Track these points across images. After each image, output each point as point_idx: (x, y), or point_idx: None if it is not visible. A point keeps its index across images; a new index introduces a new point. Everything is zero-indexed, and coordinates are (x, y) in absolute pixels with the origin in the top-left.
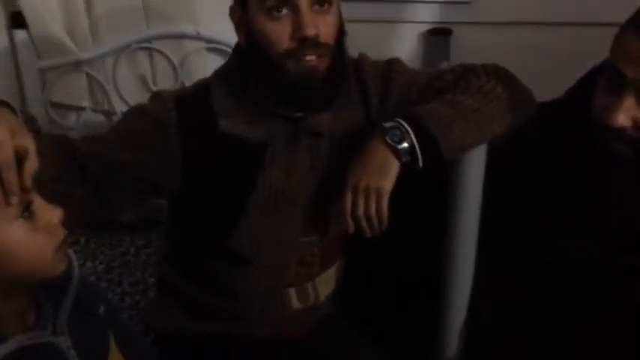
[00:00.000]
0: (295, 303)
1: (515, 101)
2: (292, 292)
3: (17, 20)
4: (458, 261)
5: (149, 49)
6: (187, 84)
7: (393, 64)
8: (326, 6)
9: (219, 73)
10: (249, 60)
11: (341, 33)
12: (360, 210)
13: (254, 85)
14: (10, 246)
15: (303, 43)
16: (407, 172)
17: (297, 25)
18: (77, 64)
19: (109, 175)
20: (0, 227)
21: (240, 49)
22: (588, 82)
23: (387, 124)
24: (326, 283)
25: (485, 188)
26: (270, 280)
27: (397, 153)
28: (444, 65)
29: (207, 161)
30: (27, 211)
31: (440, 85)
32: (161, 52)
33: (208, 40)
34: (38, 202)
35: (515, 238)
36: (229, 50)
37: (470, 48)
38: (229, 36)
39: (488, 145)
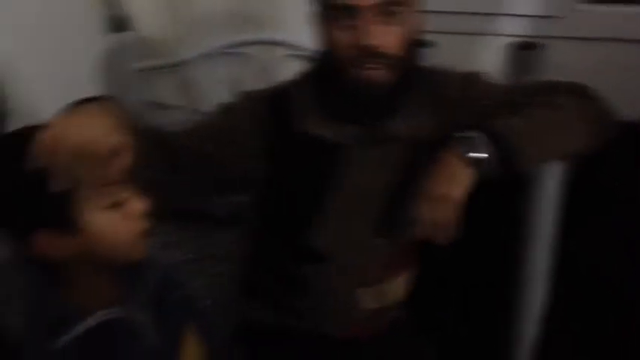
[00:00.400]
0: (366, 304)
1: (594, 120)
2: (364, 292)
3: (120, 24)
4: (532, 276)
5: (240, 54)
6: None
7: (473, 75)
8: (393, 17)
9: (300, 77)
10: (322, 65)
11: (413, 43)
12: (432, 217)
13: (327, 89)
14: (98, 231)
15: (364, 52)
16: (481, 183)
17: (359, 34)
18: (173, 66)
19: (196, 166)
20: (90, 214)
21: (318, 55)
22: None
23: (464, 135)
24: (397, 287)
25: (563, 204)
26: (342, 279)
27: (471, 163)
28: (527, 79)
29: (286, 161)
30: (116, 202)
31: (518, 99)
32: (250, 57)
33: (295, 47)
34: (128, 193)
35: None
36: (311, 56)
37: (557, 63)
38: (312, 44)
39: (569, 162)
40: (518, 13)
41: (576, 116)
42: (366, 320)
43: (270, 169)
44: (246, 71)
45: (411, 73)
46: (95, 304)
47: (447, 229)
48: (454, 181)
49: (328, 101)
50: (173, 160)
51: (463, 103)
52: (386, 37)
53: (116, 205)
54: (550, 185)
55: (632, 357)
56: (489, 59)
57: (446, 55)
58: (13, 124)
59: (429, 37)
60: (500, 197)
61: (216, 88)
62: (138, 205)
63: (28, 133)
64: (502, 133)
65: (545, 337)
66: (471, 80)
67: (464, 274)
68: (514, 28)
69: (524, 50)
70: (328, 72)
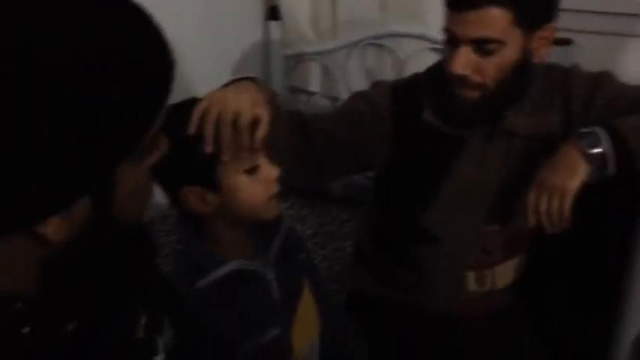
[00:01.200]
0: (472, 286)
1: None
2: (471, 275)
3: (273, 13)
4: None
5: (379, 46)
6: None
7: (602, 76)
8: (488, 51)
9: (432, 69)
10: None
11: (518, 67)
12: (544, 206)
13: (441, 89)
14: (235, 190)
15: (453, 77)
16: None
17: (452, 61)
18: (316, 54)
19: (329, 147)
20: (230, 175)
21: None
22: None
23: (583, 130)
24: (505, 273)
25: None
26: (452, 261)
27: (588, 157)
28: None
29: (410, 146)
30: (253, 167)
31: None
32: (389, 49)
33: (432, 41)
34: (262, 160)
35: None
36: None
37: None
38: None
39: None
40: None
41: None
42: (473, 302)
43: (394, 152)
44: (384, 63)
45: (524, 77)
46: (231, 255)
47: (560, 220)
48: (570, 173)
49: (441, 102)
50: (310, 141)
51: (592, 102)
52: (478, 68)
53: (253, 170)
54: None
55: None
56: (631, 62)
57: (586, 55)
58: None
59: (569, 35)
60: (617, 194)
61: (355, 78)
62: (271, 171)
63: (189, 103)
64: (621, 130)
65: None
66: (601, 80)
67: (574, 266)
68: None
69: None
70: (442, 77)
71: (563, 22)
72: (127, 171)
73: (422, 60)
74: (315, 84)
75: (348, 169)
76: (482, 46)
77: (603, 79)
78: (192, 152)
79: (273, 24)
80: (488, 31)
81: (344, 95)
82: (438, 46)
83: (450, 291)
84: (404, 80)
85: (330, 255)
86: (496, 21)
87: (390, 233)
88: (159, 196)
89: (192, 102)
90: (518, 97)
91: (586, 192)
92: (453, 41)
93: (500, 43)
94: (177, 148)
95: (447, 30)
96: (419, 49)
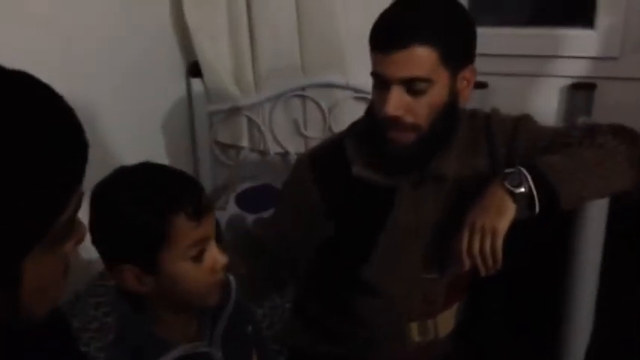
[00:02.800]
0: (415, 337)
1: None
2: (414, 326)
3: (195, 69)
4: (577, 310)
5: (302, 97)
6: (335, 130)
7: (522, 119)
8: (420, 91)
9: (353, 126)
10: (369, 119)
11: (447, 107)
12: (476, 248)
13: (372, 142)
14: (177, 277)
15: (387, 120)
16: (526, 220)
17: (385, 104)
18: (240, 109)
19: (282, 247)
20: (173, 260)
21: (371, 104)
22: None
23: (508, 170)
24: (447, 321)
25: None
26: (393, 312)
27: (514, 196)
28: (582, 120)
29: (344, 204)
30: (199, 252)
31: (565, 140)
32: (313, 100)
33: (356, 90)
34: (211, 247)
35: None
36: None
37: (613, 104)
38: None
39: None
40: (573, 54)
41: (620, 156)
42: (416, 352)
43: (332, 215)
44: (309, 113)
45: (452, 121)
46: (174, 335)
47: (494, 260)
48: (499, 213)
49: (372, 151)
50: (259, 250)
51: (513, 145)
52: (410, 109)
53: (199, 256)
54: (595, 218)
55: None
56: (544, 101)
57: (501, 96)
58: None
59: (484, 78)
60: (549, 229)
61: (282, 130)
62: (219, 258)
63: (128, 171)
64: (542, 170)
65: None
66: (521, 122)
67: (512, 306)
68: (569, 70)
69: (580, 91)
70: (372, 124)
71: (478, 66)
72: (37, 262)
73: (347, 109)
74: (242, 138)
75: (299, 258)
76: (413, 86)
77: (522, 121)
78: (132, 230)
79: (194, 80)
80: (417, 70)
81: (272, 148)
82: (362, 95)
83: (393, 343)
84: (323, 145)
85: (269, 313)
86: (424, 60)
87: (328, 287)
88: (84, 264)
89: (134, 170)
90: (448, 140)
91: (519, 229)
92: (382, 84)
93: (430, 82)
94: (116, 222)
95: (375, 73)
96: (343, 98)
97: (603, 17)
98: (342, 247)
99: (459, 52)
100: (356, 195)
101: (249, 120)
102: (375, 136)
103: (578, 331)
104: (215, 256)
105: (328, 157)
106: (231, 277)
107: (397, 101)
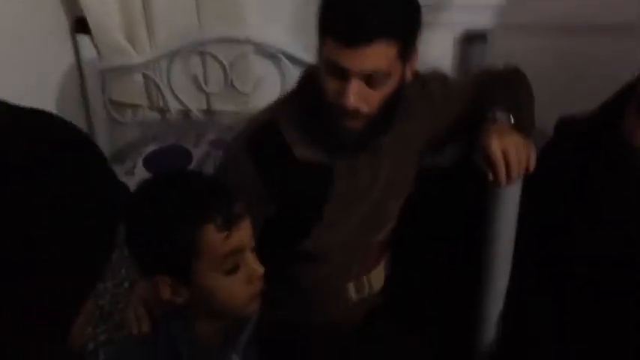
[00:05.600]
0: (353, 295)
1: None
2: (351, 285)
3: (81, 25)
4: (495, 266)
5: (201, 52)
6: (237, 85)
7: (440, 77)
8: (377, 83)
9: (285, 106)
10: (309, 96)
11: (395, 96)
12: (513, 156)
13: (314, 121)
14: (211, 289)
15: (344, 109)
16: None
17: (343, 94)
18: (135, 66)
19: None
20: (205, 274)
21: (306, 81)
22: (622, 98)
23: (493, 117)
24: (378, 276)
25: (523, 197)
26: (334, 276)
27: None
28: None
29: (285, 186)
30: (234, 267)
31: (485, 88)
32: (212, 55)
33: (256, 44)
34: (247, 257)
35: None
36: (275, 53)
37: (501, 53)
38: (275, 40)
39: None
40: (462, 4)
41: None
42: (351, 309)
43: (276, 197)
44: (209, 69)
45: (393, 107)
46: (207, 343)
47: (527, 165)
48: (513, 133)
49: (315, 132)
50: None
51: (443, 103)
52: (366, 100)
53: (234, 270)
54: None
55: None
56: (436, 51)
57: None
58: None
59: None
60: (470, 194)
61: (181, 87)
62: (256, 268)
63: (163, 184)
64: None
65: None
66: (443, 81)
67: (436, 261)
68: (459, 19)
69: (472, 41)
70: (315, 105)
71: None
72: None
73: (248, 63)
74: (139, 97)
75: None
76: (372, 79)
77: (443, 82)
78: (162, 242)
79: (82, 37)
80: (379, 64)
81: (172, 105)
82: (263, 49)
83: (334, 304)
84: (256, 129)
85: None
86: (386, 54)
87: (270, 260)
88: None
89: (163, 181)
90: (391, 119)
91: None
92: (339, 74)
93: (388, 75)
94: (146, 234)
95: (334, 63)
96: (243, 53)
97: None
98: (283, 225)
99: (412, 45)
100: (297, 175)
101: (146, 77)
102: (319, 119)
103: (495, 287)
104: (251, 267)
105: (264, 141)
106: None
107: (357, 93)
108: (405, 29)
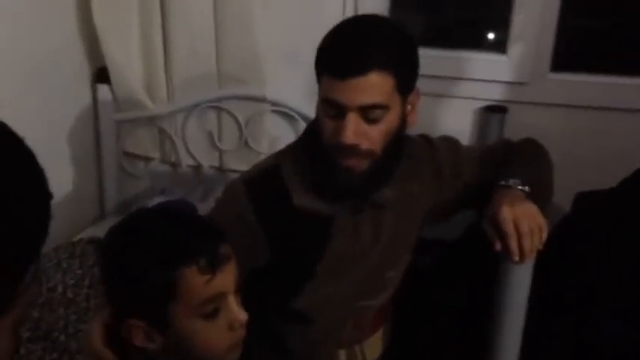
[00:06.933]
0: None
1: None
2: (342, 353)
3: (101, 75)
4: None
5: (218, 109)
6: (251, 144)
7: (452, 141)
8: (375, 118)
9: (289, 152)
10: (311, 143)
11: (397, 135)
12: (525, 227)
13: (315, 168)
14: (188, 335)
15: (343, 147)
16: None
17: (342, 131)
18: (151, 118)
19: None
20: (182, 317)
21: (310, 129)
22: None
23: (502, 183)
24: (373, 346)
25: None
26: (324, 340)
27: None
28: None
29: (281, 233)
30: (214, 310)
31: (499, 157)
32: (228, 112)
33: (273, 103)
34: (228, 303)
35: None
36: (291, 113)
37: (524, 127)
38: (292, 100)
39: None
40: (487, 78)
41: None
42: None
43: (273, 245)
44: (224, 126)
45: (396, 151)
46: None
47: (540, 239)
48: (525, 202)
49: (316, 179)
50: None
51: (451, 170)
52: (366, 136)
53: (214, 314)
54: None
55: None
56: (457, 122)
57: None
58: None
59: None
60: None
61: (195, 142)
62: (238, 314)
63: (136, 224)
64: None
65: None
66: (454, 147)
67: (438, 332)
68: (483, 93)
69: (492, 113)
70: (316, 151)
71: None
72: None
73: (263, 122)
74: (152, 149)
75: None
76: (369, 113)
77: (454, 146)
78: (138, 283)
79: (101, 87)
80: (376, 97)
81: (185, 160)
82: (280, 109)
83: None
84: (257, 172)
85: None
86: (381, 86)
87: (259, 316)
88: None
89: (144, 217)
90: (395, 166)
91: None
92: (336, 111)
93: (386, 108)
94: (121, 274)
95: (329, 99)
96: (260, 112)
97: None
98: (276, 276)
99: (409, 77)
100: (294, 224)
101: (161, 130)
102: (320, 164)
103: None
104: (233, 312)
105: (265, 185)
106: None
107: (355, 129)
108: (401, 61)
